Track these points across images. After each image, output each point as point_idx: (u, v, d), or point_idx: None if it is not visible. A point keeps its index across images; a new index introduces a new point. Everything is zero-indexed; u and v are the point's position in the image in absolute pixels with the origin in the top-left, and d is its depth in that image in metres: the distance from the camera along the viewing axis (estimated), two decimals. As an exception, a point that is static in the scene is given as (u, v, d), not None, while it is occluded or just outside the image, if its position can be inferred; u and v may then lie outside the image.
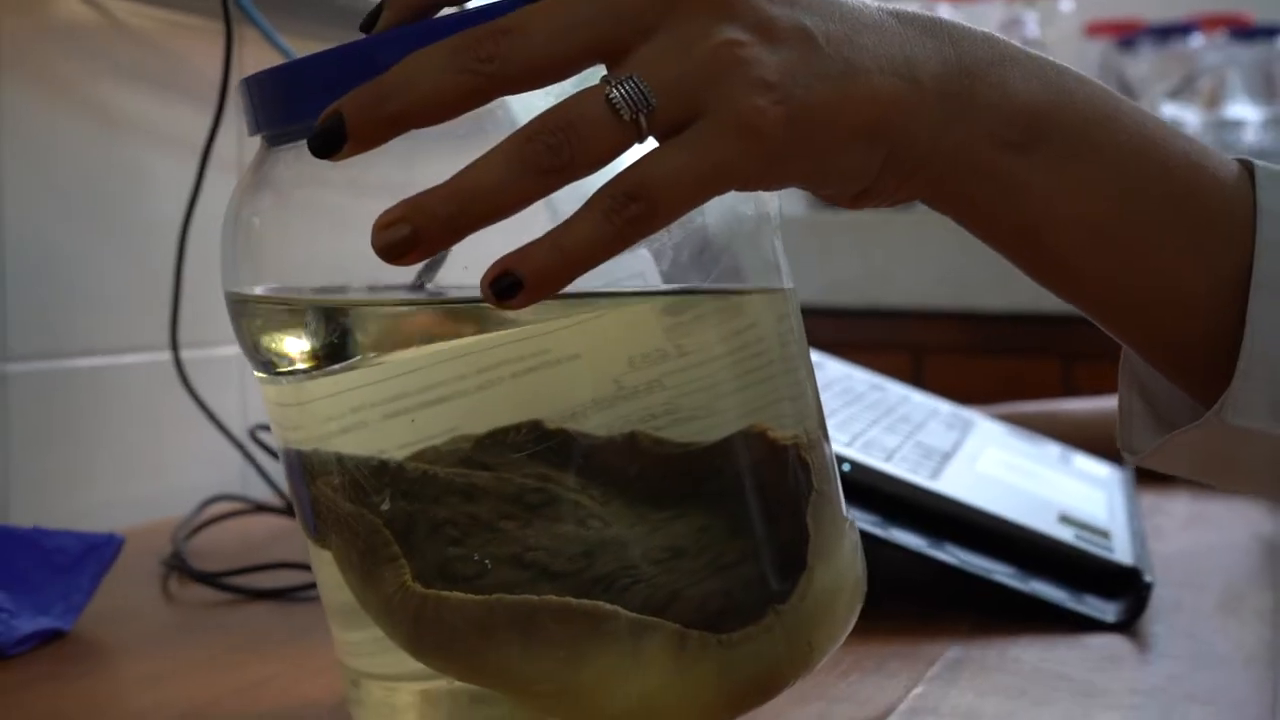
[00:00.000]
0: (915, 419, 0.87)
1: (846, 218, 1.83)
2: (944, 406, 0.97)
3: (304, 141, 0.39)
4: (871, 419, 0.82)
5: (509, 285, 0.37)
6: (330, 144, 0.38)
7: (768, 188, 0.42)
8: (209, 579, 0.70)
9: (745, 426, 0.45)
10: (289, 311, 0.46)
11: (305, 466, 0.46)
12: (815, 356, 1.00)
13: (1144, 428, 0.49)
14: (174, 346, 0.83)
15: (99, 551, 0.64)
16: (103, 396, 0.86)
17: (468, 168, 0.38)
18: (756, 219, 0.47)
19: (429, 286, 0.47)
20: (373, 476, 0.44)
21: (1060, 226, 0.43)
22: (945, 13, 1.87)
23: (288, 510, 0.82)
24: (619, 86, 0.37)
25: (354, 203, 0.44)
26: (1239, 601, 0.67)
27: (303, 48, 0.94)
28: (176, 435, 0.90)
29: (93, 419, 0.85)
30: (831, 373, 0.96)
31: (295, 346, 0.46)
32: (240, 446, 0.83)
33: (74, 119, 0.84)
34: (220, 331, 0.96)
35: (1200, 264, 0.43)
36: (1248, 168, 0.45)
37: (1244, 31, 1.85)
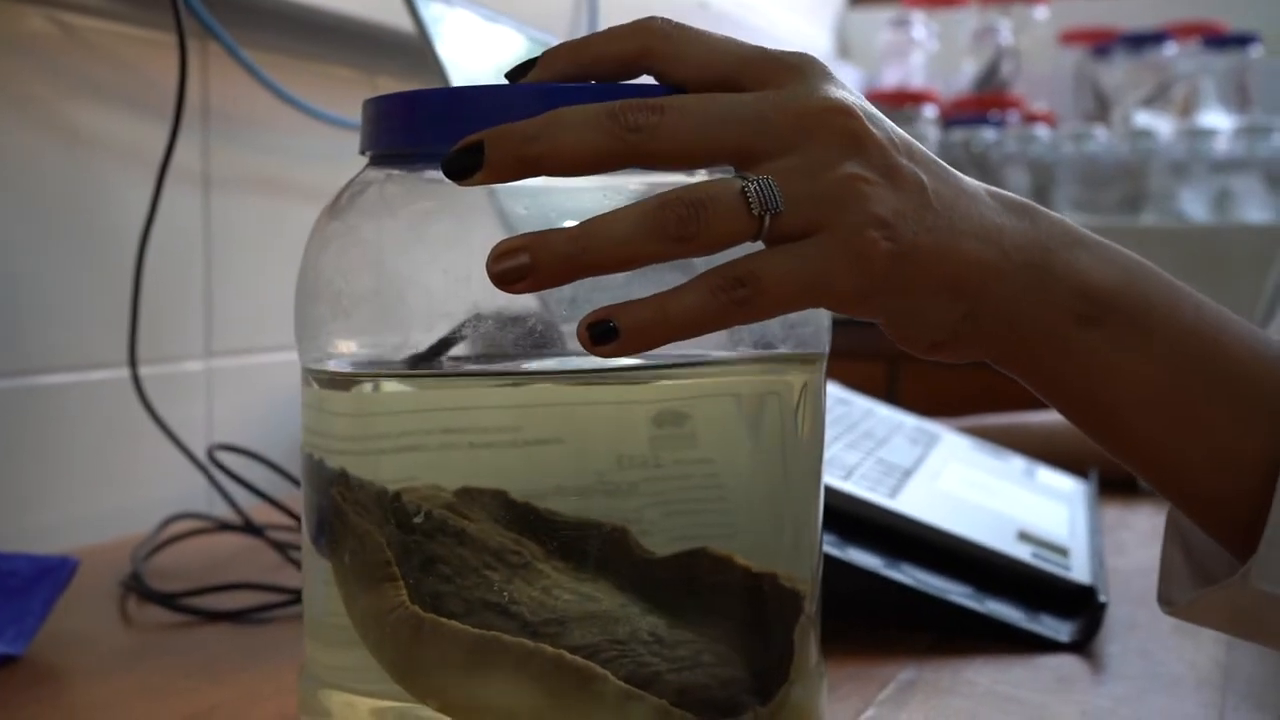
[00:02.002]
0: (879, 434, 0.87)
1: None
2: (909, 421, 0.97)
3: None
4: (834, 435, 0.82)
5: (605, 331, 0.40)
6: (465, 167, 0.41)
7: (857, 314, 0.44)
8: (166, 601, 0.69)
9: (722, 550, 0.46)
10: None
11: (323, 475, 0.47)
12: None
13: (1182, 580, 0.50)
14: (132, 363, 0.83)
15: (53, 574, 0.64)
16: (65, 413, 0.85)
17: (598, 217, 0.40)
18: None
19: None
20: (379, 500, 0.46)
21: (1119, 393, 0.45)
22: (919, 20, 1.87)
23: (250, 529, 0.81)
24: (754, 183, 0.40)
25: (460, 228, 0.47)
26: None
27: (267, 62, 0.95)
28: (140, 452, 0.89)
29: (55, 436, 0.85)
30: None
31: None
32: (200, 465, 0.83)
33: (36, 134, 0.84)
34: (186, 346, 0.96)
35: (1246, 434, 0.45)
36: None
37: (1217, 40, 1.85)
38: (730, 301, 0.40)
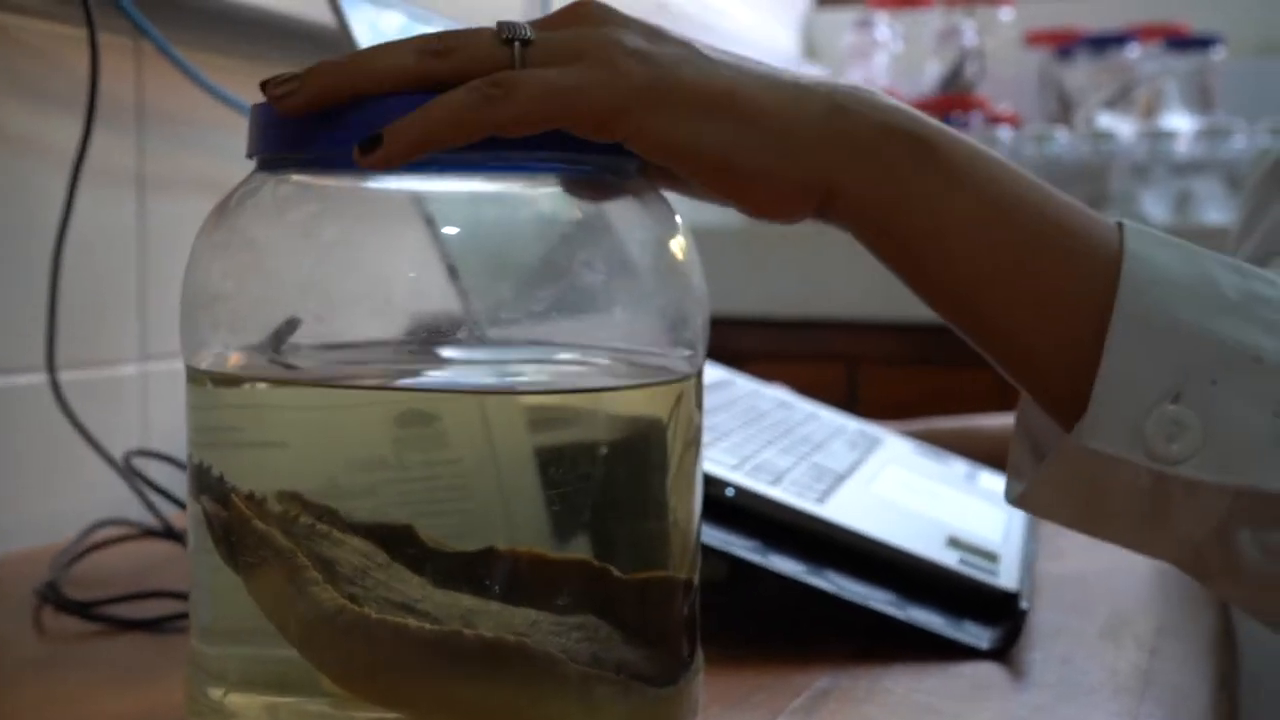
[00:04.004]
0: (816, 439, 0.86)
1: (781, 229, 1.83)
2: (852, 425, 0.96)
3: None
4: (769, 439, 0.81)
5: (372, 140, 0.42)
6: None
7: (617, 133, 0.44)
8: (80, 609, 0.68)
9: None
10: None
11: (208, 480, 0.47)
12: (723, 373, 1.00)
13: (1029, 474, 0.49)
14: (50, 367, 0.82)
15: (-40, 583, 0.62)
16: (-9, 418, 0.84)
17: (364, 48, 0.44)
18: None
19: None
20: (265, 505, 0.46)
21: (952, 239, 0.45)
22: (883, 21, 1.87)
23: (172, 535, 0.80)
24: (506, 24, 0.44)
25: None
26: (1122, 627, 0.66)
27: (205, 61, 0.93)
28: (68, 457, 0.88)
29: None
30: (739, 390, 0.95)
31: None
32: (120, 470, 0.82)
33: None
34: (120, 349, 0.95)
35: (1075, 284, 0.45)
36: (1119, 226, 0.47)
37: (1180, 42, 1.85)
38: (483, 98, 0.42)
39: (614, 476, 0.46)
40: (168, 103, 0.97)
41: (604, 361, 0.48)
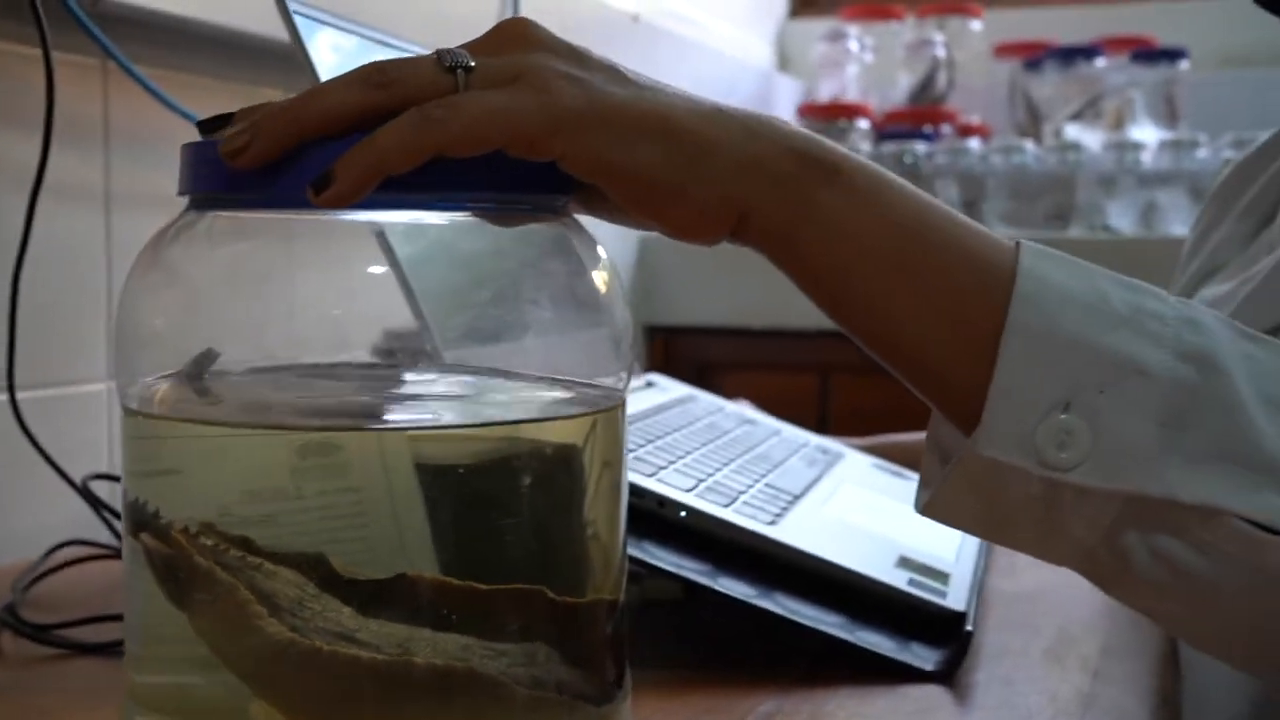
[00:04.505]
0: (775, 457, 0.87)
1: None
2: (813, 441, 0.97)
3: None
4: (727, 458, 0.82)
5: (321, 179, 0.43)
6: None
7: (553, 151, 0.46)
8: (36, 633, 0.69)
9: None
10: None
11: (144, 516, 0.47)
12: (686, 390, 1.01)
13: (933, 483, 0.50)
14: (10, 386, 0.82)
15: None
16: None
17: (309, 89, 0.45)
18: None
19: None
20: (196, 538, 0.46)
21: (853, 252, 0.47)
22: (854, 33, 1.88)
23: (135, 556, 0.81)
24: (446, 52, 0.46)
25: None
26: (1067, 647, 0.67)
27: (172, 80, 0.94)
28: (30, 478, 0.88)
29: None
30: (701, 407, 0.96)
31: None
32: (80, 491, 0.82)
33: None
34: (88, 368, 0.95)
35: (972, 300, 0.47)
36: (1017, 245, 0.49)
37: (1147, 54, 1.87)
38: (427, 120, 0.43)
39: (527, 503, 0.47)
40: (135, 121, 0.97)
41: (529, 390, 0.49)
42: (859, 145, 1.84)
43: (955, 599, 0.69)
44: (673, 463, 0.76)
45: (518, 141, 0.45)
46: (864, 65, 2.03)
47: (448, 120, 0.44)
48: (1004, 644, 0.68)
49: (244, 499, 0.46)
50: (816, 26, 2.14)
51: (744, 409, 1.03)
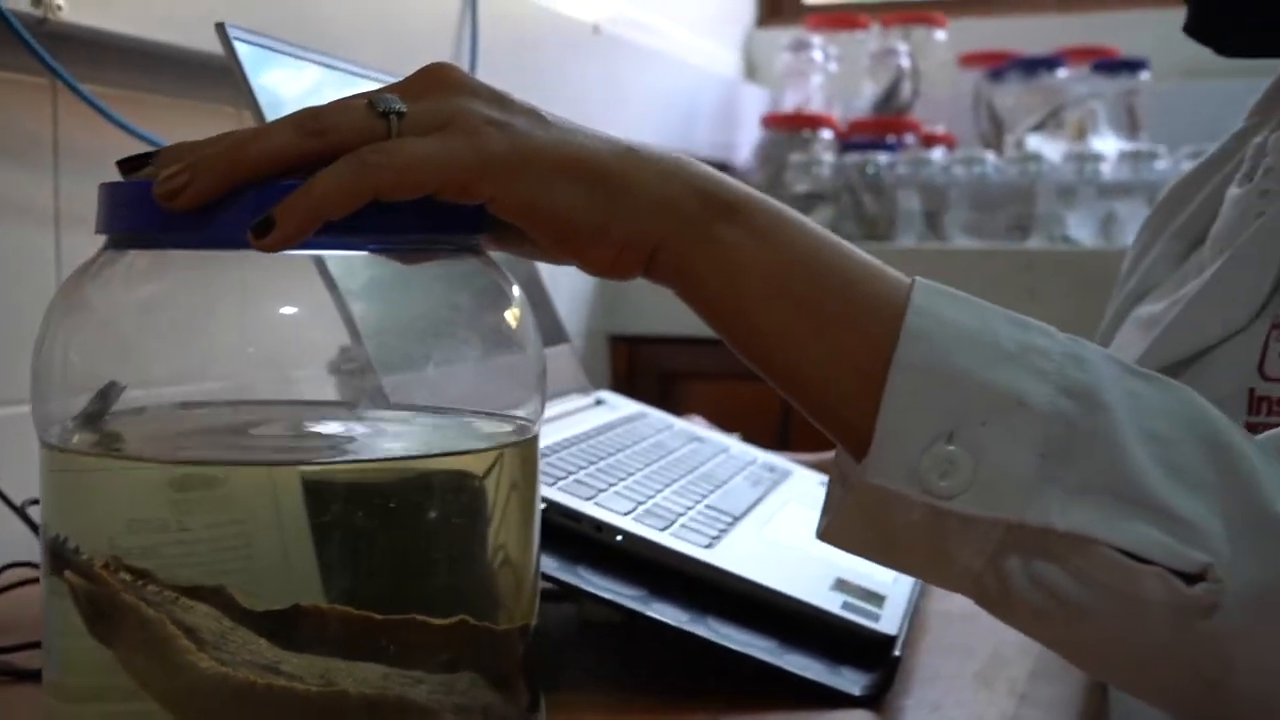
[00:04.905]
0: (720, 476, 0.88)
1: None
2: (761, 458, 0.98)
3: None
4: (670, 479, 0.83)
5: (262, 224, 0.44)
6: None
7: (483, 194, 0.47)
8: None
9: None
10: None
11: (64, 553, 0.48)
12: (636, 407, 1.02)
13: (833, 509, 0.52)
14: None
15: None
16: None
17: (241, 130, 0.46)
18: None
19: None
20: (117, 573, 0.47)
21: (752, 286, 0.49)
22: (818, 44, 1.88)
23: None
24: (378, 97, 0.47)
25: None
26: (998, 670, 0.68)
27: (122, 99, 0.94)
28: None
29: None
30: (649, 425, 0.97)
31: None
32: (19, 514, 0.83)
33: None
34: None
35: (865, 335, 0.49)
36: (912, 281, 0.50)
37: (1108, 65, 1.88)
38: (363, 165, 0.45)
39: (425, 533, 0.48)
40: (85, 141, 0.97)
41: (441, 424, 0.51)
42: (822, 155, 1.85)
43: (888, 622, 0.70)
44: (613, 485, 0.76)
45: (450, 186, 0.47)
46: (829, 75, 2.03)
47: (384, 166, 0.45)
48: (936, 667, 0.68)
49: (131, 532, 0.47)
50: (784, 35, 2.15)
51: (695, 426, 1.04)
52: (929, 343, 0.48)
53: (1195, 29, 0.76)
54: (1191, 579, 0.46)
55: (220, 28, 0.73)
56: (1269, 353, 0.68)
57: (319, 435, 0.53)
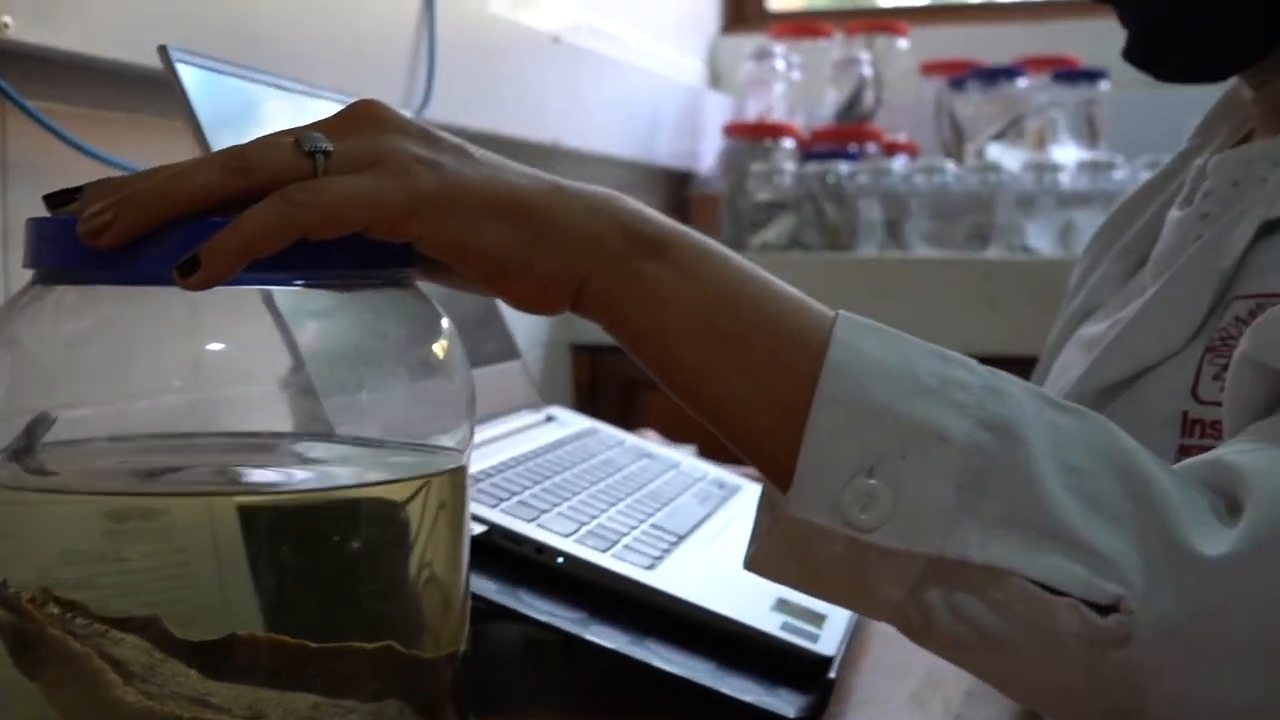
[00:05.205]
0: (667, 494, 0.88)
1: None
2: (711, 473, 0.98)
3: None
4: (616, 497, 0.83)
5: (188, 262, 0.44)
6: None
7: (412, 232, 0.48)
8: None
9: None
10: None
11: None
12: (587, 424, 1.02)
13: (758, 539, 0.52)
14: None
15: None
16: None
17: (168, 166, 0.46)
18: None
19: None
20: (44, 606, 0.47)
21: (676, 321, 0.50)
22: (781, 51, 1.89)
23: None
24: (305, 135, 0.47)
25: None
26: (933, 690, 0.69)
27: (72, 115, 0.94)
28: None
29: None
30: (599, 442, 0.97)
31: None
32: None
33: None
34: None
35: (788, 370, 0.50)
36: (836, 317, 0.51)
37: (1068, 74, 1.89)
38: (291, 204, 0.45)
39: (354, 563, 0.49)
40: (34, 158, 0.97)
41: (372, 454, 0.52)
42: (783, 164, 1.86)
43: (827, 643, 0.70)
44: (557, 505, 0.77)
45: (378, 224, 0.47)
46: (791, 83, 2.04)
47: (311, 205, 0.45)
48: (874, 687, 0.69)
49: (66, 563, 0.47)
50: (748, 42, 2.16)
51: (646, 441, 1.04)
52: (851, 377, 0.48)
53: (1133, 55, 0.77)
54: (1105, 610, 0.47)
55: (163, 50, 0.73)
56: (1202, 376, 0.69)
57: (252, 465, 0.53)
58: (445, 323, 0.52)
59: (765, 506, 0.53)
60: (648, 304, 0.50)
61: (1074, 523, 0.47)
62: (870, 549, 0.48)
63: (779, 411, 0.49)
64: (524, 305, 0.50)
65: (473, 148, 0.50)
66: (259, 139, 0.48)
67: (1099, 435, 0.50)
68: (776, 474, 0.50)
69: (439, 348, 0.51)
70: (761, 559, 0.51)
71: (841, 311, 0.50)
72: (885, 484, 0.47)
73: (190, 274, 0.44)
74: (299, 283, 0.48)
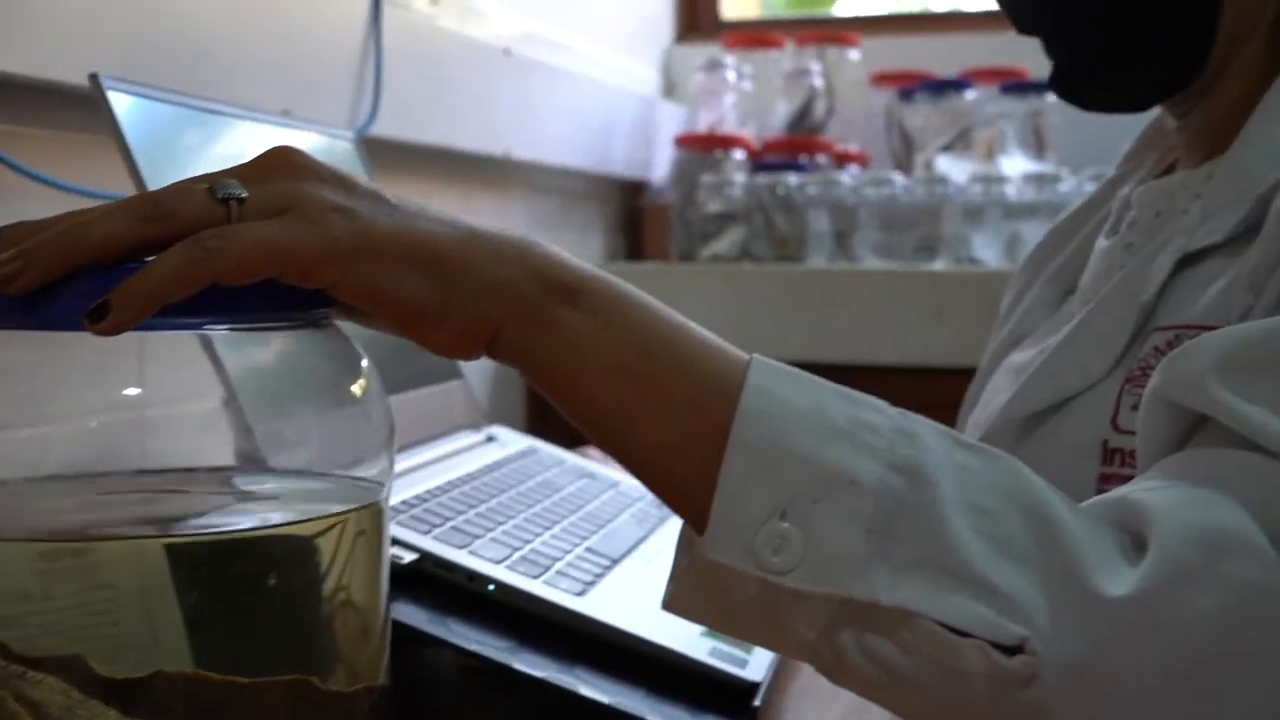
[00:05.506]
0: (604, 516, 0.89)
1: (628, 270, 1.86)
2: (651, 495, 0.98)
3: None
4: (552, 520, 0.84)
5: (99, 308, 0.45)
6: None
7: (325, 279, 0.48)
8: None
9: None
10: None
11: None
12: (527, 443, 1.03)
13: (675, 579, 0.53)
14: None
15: None
16: None
17: (82, 212, 0.46)
18: None
19: None
20: None
21: (590, 365, 0.50)
22: (732, 62, 1.90)
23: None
24: (218, 182, 0.48)
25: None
26: (860, 716, 0.69)
27: (6, 134, 0.94)
28: None
29: None
30: (538, 463, 0.98)
31: None
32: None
33: None
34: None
35: (702, 414, 0.50)
36: (749, 361, 0.51)
37: (1016, 86, 1.91)
38: (203, 250, 0.45)
39: (273, 597, 0.49)
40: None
41: (291, 488, 0.53)
42: (734, 176, 1.87)
43: (755, 668, 0.71)
44: (490, 530, 0.77)
45: (291, 270, 0.47)
46: (743, 94, 2.05)
47: (222, 251, 0.46)
48: (800, 712, 0.70)
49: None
50: (702, 52, 2.16)
51: (588, 460, 1.05)
52: (763, 422, 0.49)
53: (1058, 86, 0.79)
54: (1011, 651, 0.48)
55: (94, 79, 0.73)
56: (1122, 405, 0.70)
57: (176, 502, 0.54)
58: (364, 362, 0.52)
59: (683, 545, 0.53)
60: (562, 349, 0.50)
61: (981, 564, 0.48)
62: (783, 591, 0.48)
63: (694, 456, 0.50)
64: (440, 350, 0.51)
65: (389, 194, 0.50)
66: (173, 185, 0.48)
67: (1007, 476, 0.51)
68: (692, 516, 0.51)
69: (357, 387, 0.52)
70: (679, 599, 0.52)
71: (755, 355, 0.51)
72: (797, 527, 0.48)
73: (100, 319, 0.45)
74: (212, 328, 0.49)
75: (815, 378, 0.51)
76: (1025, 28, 0.79)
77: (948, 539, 0.48)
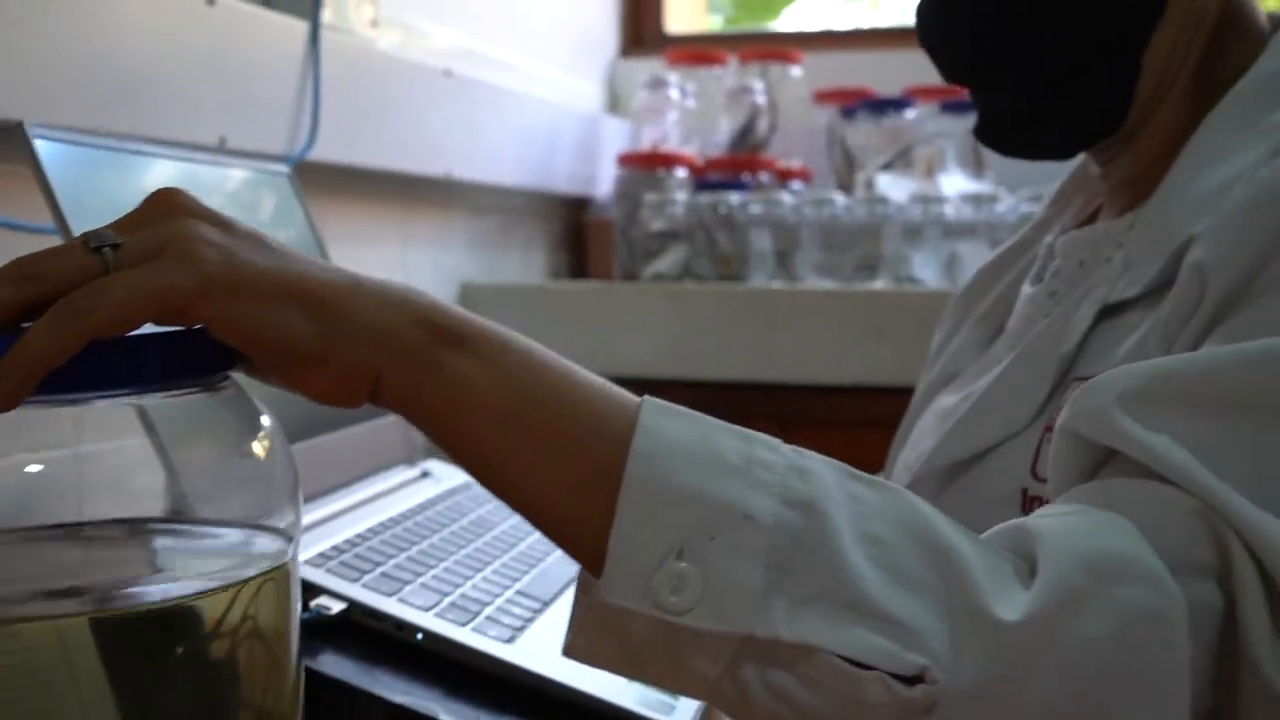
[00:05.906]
0: (536, 555, 0.89)
1: (571, 289, 1.87)
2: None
3: None
4: (482, 563, 0.84)
5: None
6: None
7: (203, 315, 0.48)
8: None
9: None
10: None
11: None
12: (463, 477, 1.03)
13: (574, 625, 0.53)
14: None
15: None
16: None
17: None
18: None
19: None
20: None
21: (475, 410, 0.50)
22: (675, 80, 1.89)
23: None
24: (92, 234, 0.48)
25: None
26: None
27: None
28: None
29: None
30: (472, 499, 0.98)
31: None
32: None
33: None
34: None
35: (594, 459, 0.50)
36: (641, 403, 0.52)
37: (954, 104, 1.92)
38: (72, 311, 0.45)
39: (178, 667, 0.49)
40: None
41: (191, 544, 0.53)
42: (675, 194, 1.87)
43: (682, 714, 0.72)
44: (420, 575, 0.77)
45: (167, 311, 0.47)
46: (686, 111, 2.06)
47: (94, 307, 0.46)
48: (727, 759, 0.70)
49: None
50: (647, 67, 2.17)
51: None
52: (656, 461, 0.49)
53: (982, 135, 0.80)
54: (912, 680, 0.48)
55: (19, 129, 0.73)
56: (1041, 454, 0.71)
57: (90, 570, 0.53)
58: (265, 420, 0.52)
59: (581, 589, 0.53)
60: (449, 394, 0.50)
61: (878, 595, 0.49)
62: (683, 631, 0.49)
63: (587, 499, 0.50)
64: (322, 397, 0.51)
65: (270, 238, 0.51)
66: (51, 248, 0.48)
67: (900, 507, 0.51)
68: (588, 560, 0.51)
69: (259, 446, 0.52)
70: (579, 645, 0.52)
71: (647, 397, 0.51)
72: (695, 566, 0.48)
73: None
74: (110, 396, 0.49)
75: (706, 417, 0.52)
76: (952, 78, 0.80)
77: (844, 571, 0.49)
